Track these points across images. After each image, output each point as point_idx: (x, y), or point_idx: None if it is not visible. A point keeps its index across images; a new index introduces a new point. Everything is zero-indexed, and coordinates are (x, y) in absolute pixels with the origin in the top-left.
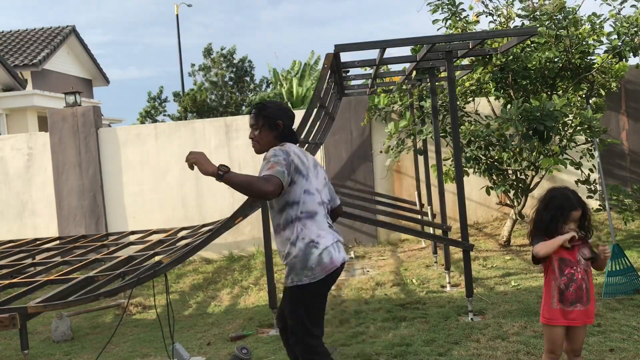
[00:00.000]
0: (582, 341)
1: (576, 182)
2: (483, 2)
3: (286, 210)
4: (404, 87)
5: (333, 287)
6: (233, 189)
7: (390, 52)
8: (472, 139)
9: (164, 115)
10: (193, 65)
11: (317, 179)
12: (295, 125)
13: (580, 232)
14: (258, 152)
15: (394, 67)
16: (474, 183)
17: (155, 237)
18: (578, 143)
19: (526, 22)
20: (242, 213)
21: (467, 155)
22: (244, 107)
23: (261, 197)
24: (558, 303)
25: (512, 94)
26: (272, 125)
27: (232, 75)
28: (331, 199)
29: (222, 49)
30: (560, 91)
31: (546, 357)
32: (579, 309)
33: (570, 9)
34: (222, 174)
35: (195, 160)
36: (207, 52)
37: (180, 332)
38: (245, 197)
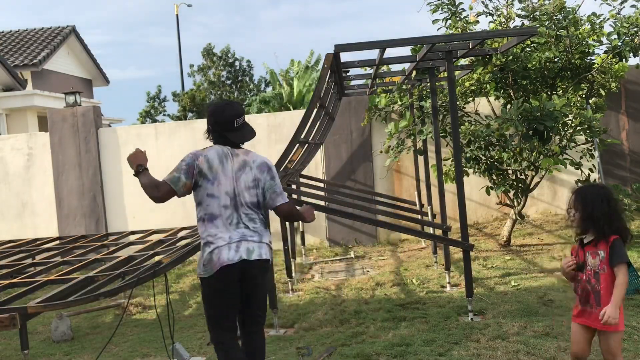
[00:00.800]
0: (606, 346)
1: (576, 182)
2: (483, 2)
3: (196, 209)
4: (404, 87)
5: (333, 287)
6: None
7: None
8: (472, 139)
9: (164, 115)
10: (192, 66)
11: (237, 182)
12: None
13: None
14: None
15: (394, 67)
16: (474, 183)
17: (155, 237)
18: (578, 143)
19: (526, 22)
20: None
21: (467, 155)
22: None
23: (153, 200)
24: (577, 301)
25: (512, 94)
26: (208, 130)
27: (229, 74)
28: (267, 200)
29: (212, 48)
30: (560, 91)
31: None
32: (589, 310)
33: (570, 9)
34: (135, 173)
35: (130, 156)
36: (207, 52)
37: (180, 332)
38: None
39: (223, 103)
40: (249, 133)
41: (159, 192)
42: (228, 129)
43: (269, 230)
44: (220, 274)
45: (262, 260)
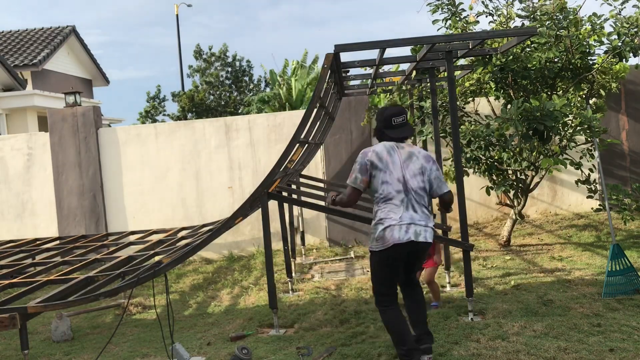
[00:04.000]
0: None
1: (576, 182)
2: (483, 2)
3: (374, 196)
4: (404, 87)
5: (333, 287)
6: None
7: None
8: (472, 139)
9: (164, 115)
10: (191, 66)
11: (406, 170)
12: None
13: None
14: None
15: (394, 67)
16: (474, 183)
17: (155, 237)
18: (578, 143)
19: (526, 22)
20: (242, 213)
21: (467, 155)
22: (243, 107)
23: (347, 205)
24: None
25: (512, 94)
26: (376, 129)
27: (228, 74)
28: (434, 188)
29: (210, 48)
30: (560, 91)
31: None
32: None
33: (571, 9)
34: (333, 200)
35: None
36: (198, 53)
37: (180, 332)
38: (245, 198)
39: (386, 106)
40: (408, 130)
41: (348, 196)
42: (387, 126)
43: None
44: (389, 249)
45: (427, 243)
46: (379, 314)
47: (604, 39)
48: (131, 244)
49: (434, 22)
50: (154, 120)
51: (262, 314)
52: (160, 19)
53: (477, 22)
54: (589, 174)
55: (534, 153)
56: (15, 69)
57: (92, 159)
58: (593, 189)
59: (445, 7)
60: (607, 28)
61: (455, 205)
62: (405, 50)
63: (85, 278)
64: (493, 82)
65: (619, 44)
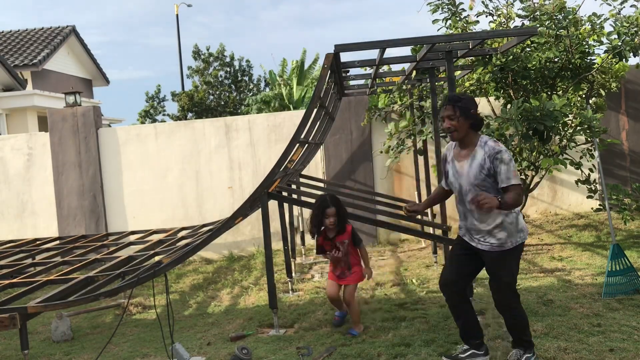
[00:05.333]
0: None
1: (576, 182)
2: (483, 2)
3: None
4: (404, 87)
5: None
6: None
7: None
8: None
9: (164, 115)
10: (190, 67)
11: None
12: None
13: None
14: (456, 139)
15: (394, 67)
16: None
17: (155, 237)
18: (578, 143)
19: (526, 22)
20: (242, 213)
21: None
22: (243, 107)
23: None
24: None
25: (512, 94)
26: (468, 114)
27: (227, 74)
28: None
29: (208, 49)
30: (560, 91)
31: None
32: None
33: (570, 9)
34: (500, 203)
35: (489, 203)
36: (196, 53)
37: (180, 332)
38: (245, 198)
39: (468, 96)
40: None
41: (520, 195)
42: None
43: None
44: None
45: None
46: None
47: (604, 39)
48: (131, 244)
49: (434, 22)
50: (154, 120)
51: (262, 314)
52: (160, 19)
53: (477, 22)
54: (589, 174)
55: (534, 153)
56: (15, 69)
57: (92, 159)
58: (593, 189)
59: (445, 7)
60: (607, 28)
61: (455, 205)
62: (405, 50)
63: (85, 278)
64: (493, 82)
65: (619, 43)
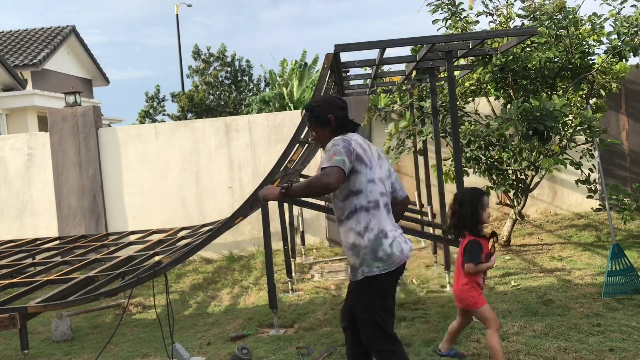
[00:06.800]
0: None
1: (576, 182)
2: (483, 2)
3: (350, 199)
4: (404, 87)
5: (333, 287)
6: (302, 198)
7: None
8: (472, 139)
9: (164, 115)
10: (190, 67)
11: (381, 169)
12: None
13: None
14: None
15: (394, 67)
16: (474, 183)
17: (155, 237)
18: (578, 143)
19: (526, 22)
20: (242, 213)
21: (467, 155)
22: (243, 107)
23: (326, 191)
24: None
25: (512, 94)
26: (324, 121)
27: (227, 74)
28: (394, 190)
29: (208, 49)
30: (560, 91)
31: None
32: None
33: (570, 9)
34: (285, 191)
35: (265, 195)
36: (196, 54)
37: (180, 332)
38: (245, 198)
39: (329, 97)
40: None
41: (332, 177)
42: (347, 115)
43: None
44: (398, 268)
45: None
46: None
47: (604, 39)
48: (131, 244)
49: (434, 22)
50: (154, 120)
51: (262, 313)
52: (160, 19)
53: (477, 22)
54: (589, 174)
55: (534, 153)
56: (15, 69)
57: (92, 159)
58: (593, 188)
59: (445, 6)
60: (607, 28)
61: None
62: (405, 50)
63: (85, 278)
64: (493, 82)
65: (619, 43)
